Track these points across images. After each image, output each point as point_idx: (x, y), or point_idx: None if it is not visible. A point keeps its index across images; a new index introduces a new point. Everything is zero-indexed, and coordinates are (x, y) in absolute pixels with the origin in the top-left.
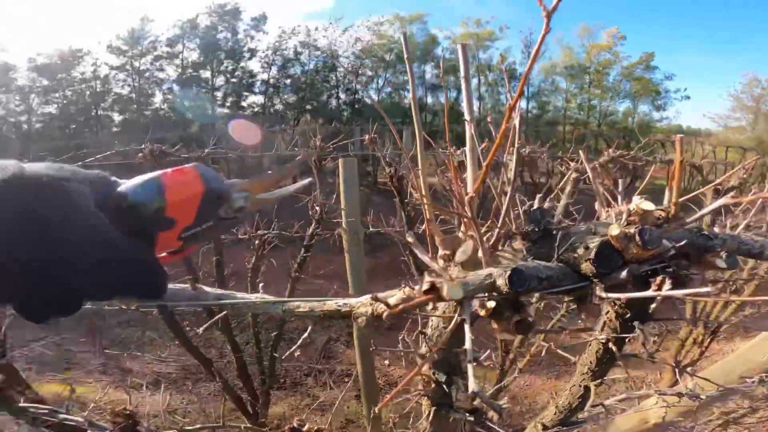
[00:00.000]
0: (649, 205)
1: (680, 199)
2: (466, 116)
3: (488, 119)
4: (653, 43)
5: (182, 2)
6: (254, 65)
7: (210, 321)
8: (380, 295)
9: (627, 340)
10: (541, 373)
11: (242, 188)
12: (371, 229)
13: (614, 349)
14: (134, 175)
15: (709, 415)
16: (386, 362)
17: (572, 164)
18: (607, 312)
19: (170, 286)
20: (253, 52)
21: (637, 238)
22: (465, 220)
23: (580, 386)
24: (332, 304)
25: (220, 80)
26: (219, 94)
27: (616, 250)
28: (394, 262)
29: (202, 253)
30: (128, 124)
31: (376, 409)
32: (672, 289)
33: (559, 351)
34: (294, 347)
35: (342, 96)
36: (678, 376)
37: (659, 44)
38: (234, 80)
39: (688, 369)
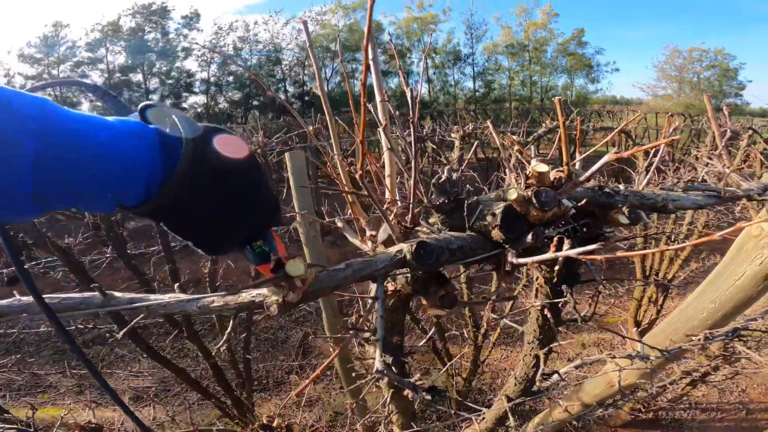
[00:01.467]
0: (543, 167)
1: (580, 158)
2: (377, 97)
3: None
4: (584, 18)
5: (97, 6)
6: (191, 64)
7: (126, 327)
8: (285, 282)
9: (560, 304)
10: (515, 345)
11: None
12: (327, 219)
13: (548, 315)
14: None
15: (670, 374)
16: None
17: (514, 138)
18: (537, 278)
19: (77, 295)
20: (188, 51)
21: (534, 200)
22: (357, 198)
23: (531, 355)
24: (246, 296)
25: (154, 83)
26: (155, 97)
27: (521, 214)
28: (360, 250)
29: (154, 263)
30: None
31: (293, 394)
32: (572, 248)
33: (508, 322)
34: (222, 341)
35: (290, 89)
36: (631, 337)
37: (589, 19)
38: (170, 81)
39: (646, 328)
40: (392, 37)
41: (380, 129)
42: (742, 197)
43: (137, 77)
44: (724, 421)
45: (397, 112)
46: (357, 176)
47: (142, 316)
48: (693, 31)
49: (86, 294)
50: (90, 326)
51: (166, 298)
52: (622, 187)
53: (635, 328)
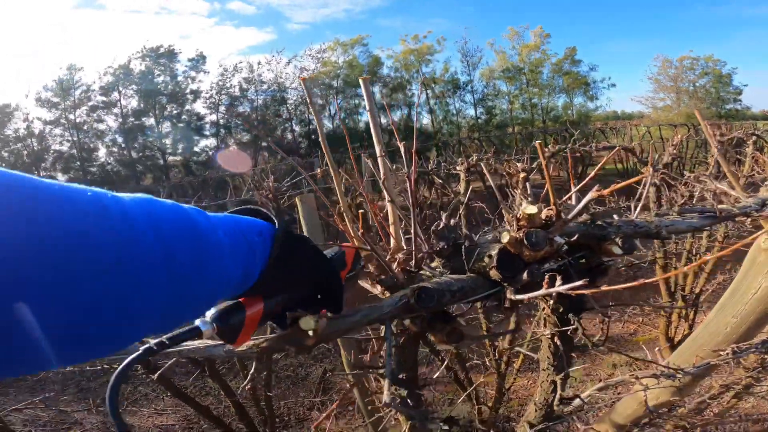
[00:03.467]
0: (532, 209)
1: (572, 192)
2: (377, 150)
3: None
4: (575, 36)
5: (109, 48)
6: (200, 107)
7: (162, 369)
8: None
9: (569, 331)
10: (539, 371)
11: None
12: None
13: (558, 342)
14: None
15: (710, 389)
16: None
17: (519, 165)
18: (543, 308)
19: None
20: (196, 94)
21: (525, 241)
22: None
23: (548, 381)
24: (266, 343)
25: (166, 126)
26: (168, 141)
27: (516, 254)
28: (366, 290)
29: None
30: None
31: (313, 428)
32: (572, 279)
33: (522, 350)
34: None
35: (296, 128)
36: (653, 360)
37: (579, 37)
38: (181, 125)
39: (679, 344)
40: (391, 70)
41: (381, 181)
42: (739, 215)
43: (150, 121)
44: None
45: (402, 144)
46: (360, 234)
47: (173, 360)
48: (680, 41)
49: None
50: (115, 365)
51: (196, 343)
52: (616, 217)
53: (668, 344)
